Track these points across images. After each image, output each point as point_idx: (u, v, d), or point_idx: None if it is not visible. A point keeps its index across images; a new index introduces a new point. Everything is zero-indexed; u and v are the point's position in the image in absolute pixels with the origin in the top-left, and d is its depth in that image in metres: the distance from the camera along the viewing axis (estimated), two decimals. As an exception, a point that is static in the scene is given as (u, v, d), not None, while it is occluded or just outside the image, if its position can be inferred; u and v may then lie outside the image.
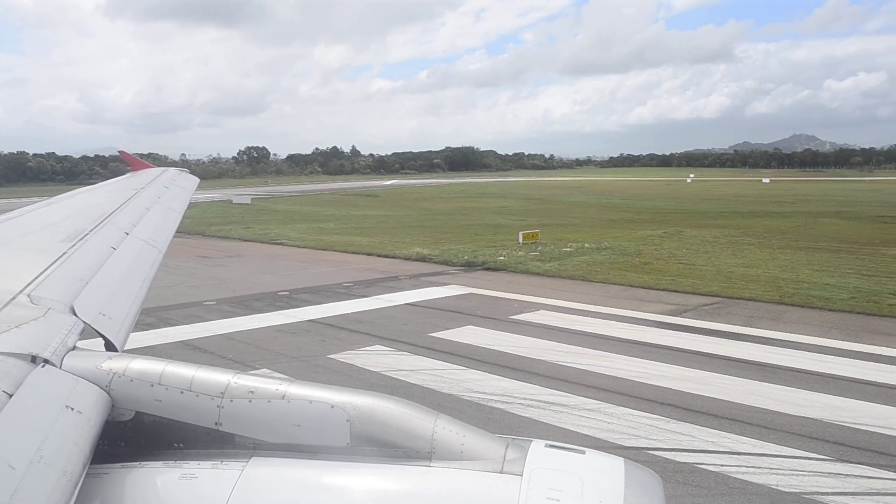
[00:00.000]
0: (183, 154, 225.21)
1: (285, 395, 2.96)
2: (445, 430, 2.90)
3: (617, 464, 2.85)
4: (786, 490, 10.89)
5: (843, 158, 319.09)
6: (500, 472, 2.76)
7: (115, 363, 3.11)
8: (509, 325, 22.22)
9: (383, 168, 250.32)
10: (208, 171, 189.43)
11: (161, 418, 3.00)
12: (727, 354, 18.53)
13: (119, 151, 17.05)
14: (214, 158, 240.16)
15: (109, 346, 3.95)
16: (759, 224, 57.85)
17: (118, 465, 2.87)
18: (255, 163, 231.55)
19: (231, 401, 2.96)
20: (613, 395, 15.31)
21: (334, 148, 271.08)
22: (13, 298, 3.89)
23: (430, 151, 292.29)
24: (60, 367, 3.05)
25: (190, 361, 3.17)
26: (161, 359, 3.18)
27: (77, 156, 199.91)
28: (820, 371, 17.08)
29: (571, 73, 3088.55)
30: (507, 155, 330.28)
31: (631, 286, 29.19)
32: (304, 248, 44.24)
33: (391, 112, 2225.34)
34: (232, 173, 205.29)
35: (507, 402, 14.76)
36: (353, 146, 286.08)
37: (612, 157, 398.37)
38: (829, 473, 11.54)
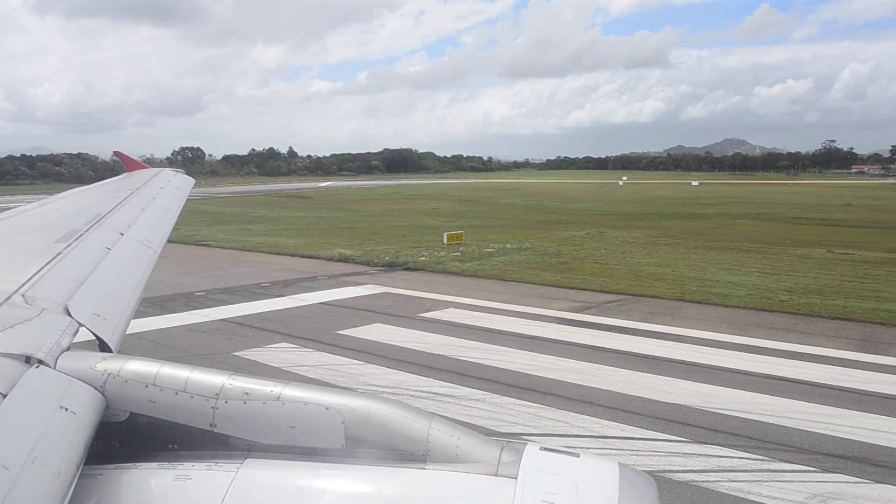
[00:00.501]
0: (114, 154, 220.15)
1: (280, 396, 2.97)
2: (440, 432, 2.92)
3: (611, 467, 2.88)
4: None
5: (771, 162, 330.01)
6: (495, 475, 2.79)
7: (110, 364, 3.11)
8: (416, 322, 22.80)
9: (321, 169, 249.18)
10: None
11: (155, 419, 3.01)
12: (617, 348, 19.45)
13: (114, 152, 17.50)
14: (148, 159, 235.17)
15: (104, 347, 3.93)
16: (681, 225, 59.75)
17: (112, 465, 2.87)
18: (189, 163, 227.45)
19: (226, 402, 2.97)
20: (501, 385, 16.03)
21: (271, 149, 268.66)
22: (7, 299, 3.91)
23: (369, 153, 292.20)
24: (55, 368, 3.05)
25: (185, 363, 3.19)
26: (156, 360, 3.19)
27: (3, 155, 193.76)
28: (701, 362, 18.11)
29: (510, 76, 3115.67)
30: (445, 157, 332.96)
31: (542, 285, 30.08)
32: (229, 249, 44.06)
33: (330, 113, 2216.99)
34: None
35: (399, 394, 15.31)
36: (291, 147, 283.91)
37: (549, 160, 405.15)
38: (684, 454, 12.42)
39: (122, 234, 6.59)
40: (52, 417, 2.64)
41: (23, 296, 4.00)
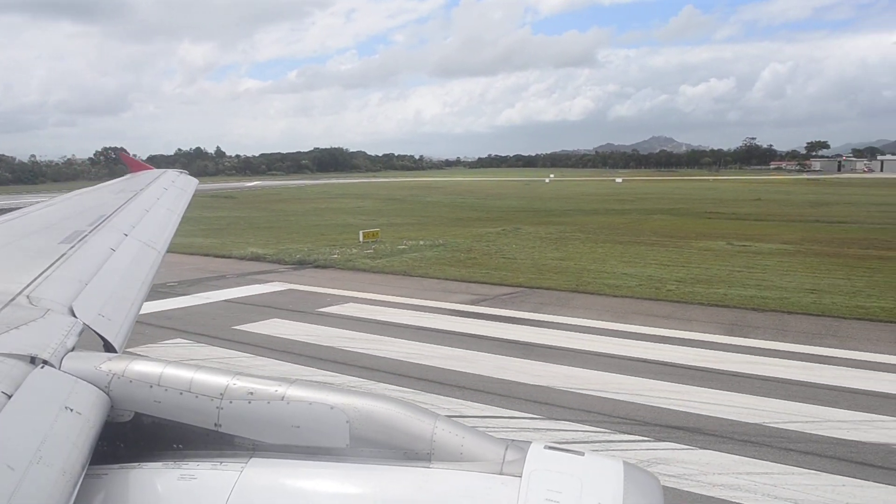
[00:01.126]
0: (32, 155, 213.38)
1: (284, 396, 2.98)
2: (445, 431, 2.93)
3: (616, 466, 2.88)
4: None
5: (695, 159, 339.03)
6: (500, 474, 2.80)
7: (115, 364, 3.12)
8: (313, 316, 23.40)
9: (249, 169, 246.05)
10: (61, 173, 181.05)
11: (160, 419, 3.02)
12: (500, 336, 20.42)
13: (120, 153, 17.50)
14: (69, 160, 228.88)
15: (108, 347, 3.96)
16: (597, 221, 61.37)
17: (117, 465, 2.89)
18: (112, 164, 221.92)
19: (230, 402, 2.98)
20: (378, 373, 16.81)
21: (198, 149, 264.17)
22: (12, 299, 3.94)
23: (299, 152, 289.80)
24: (59, 368, 3.07)
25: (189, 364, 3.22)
26: (160, 360, 3.21)
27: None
28: (575, 347, 19.21)
29: (442, 74, 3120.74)
30: (377, 156, 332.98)
31: (446, 279, 30.97)
32: (141, 249, 43.67)
33: (260, 112, 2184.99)
34: (87, 175, 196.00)
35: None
36: (218, 147, 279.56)
37: (480, 158, 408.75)
38: (533, 428, 13.40)
39: (126, 235, 6.61)
40: (57, 418, 2.65)
41: (27, 297, 4.02)
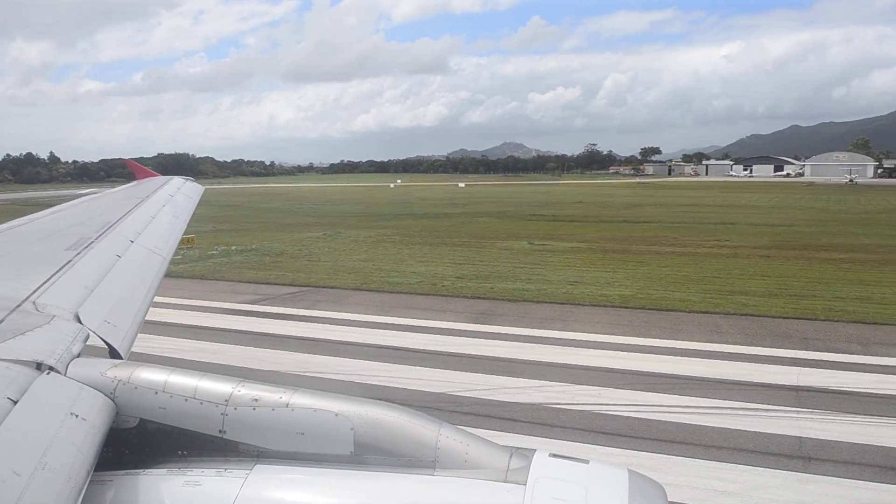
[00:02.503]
0: None
1: (289, 403, 2.99)
2: (449, 438, 2.94)
3: (620, 474, 2.89)
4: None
5: (540, 164, 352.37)
6: (504, 481, 2.81)
7: (120, 371, 3.12)
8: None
9: (87, 176, 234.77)
10: None
11: (165, 426, 3.02)
12: (259, 331, 22.04)
13: (126, 161, 16.54)
14: None
15: (114, 354, 3.98)
16: (422, 224, 63.65)
17: (122, 472, 2.90)
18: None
19: (235, 409, 2.98)
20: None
21: (29, 154, 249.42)
22: (19, 306, 3.93)
23: (143, 158, 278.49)
24: (65, 375, 3.06)
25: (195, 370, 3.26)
26: (165, 367, 3.21)
27: None
28: (323, 338, 21.25)
29: (295, 79, 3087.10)
30: (226, 161, 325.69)
31: (239, 282, 32.16)
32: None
33: (104, 116, 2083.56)
34: None
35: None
36: (52, 152, 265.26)
37: (333, 164, 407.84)
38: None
39: (131, 242, 6.61)
40: (62, 424, 2.66)
41: (34, 303, 4.02)
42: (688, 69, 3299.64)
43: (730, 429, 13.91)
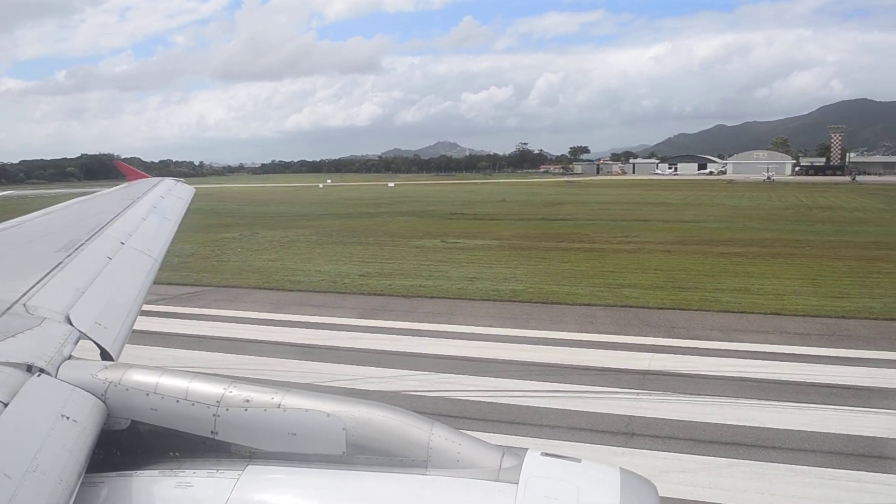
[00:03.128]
0: None
1: (281, 404, 3.00)
2: (441, 438, 2.96)
3: (612, 473, 2.90)
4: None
5: (473, 163, 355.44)
6: (496, 480, 2.82)
7: (111, 372, 3.12)
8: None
9: (4, 178, 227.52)
10: None
11: (157, 427, 3.03)
12: (144, 329, 21.90)
13: (116, 162, 16.38)
14: None
15: (105, 355, 3.96)
16: (341, 224, 63.66)
17: (114, 473, 2.91)
18: None
19: (227, 409, 2.99)
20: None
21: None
22: (9, 308, 3.93)
23: (66, 159, 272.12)
24: (56, 377, 3.07)
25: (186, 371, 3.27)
26: (157, 368, 3.21)
27: None
28: (208, 335, 21.69)
29: (226, 78, 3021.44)
30: (153, 162, 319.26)
31: (140, 282, 32.05)
32: None
33: (25, 116, 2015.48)
34: None
35: None
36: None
37: (264, 164, 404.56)
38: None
39: (122, 244, 6.61)
40: (53, 426, 2.66)
41: (24, 305, 4.02)
42: (617, 70, 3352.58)
43: (568, 409, 14.95)
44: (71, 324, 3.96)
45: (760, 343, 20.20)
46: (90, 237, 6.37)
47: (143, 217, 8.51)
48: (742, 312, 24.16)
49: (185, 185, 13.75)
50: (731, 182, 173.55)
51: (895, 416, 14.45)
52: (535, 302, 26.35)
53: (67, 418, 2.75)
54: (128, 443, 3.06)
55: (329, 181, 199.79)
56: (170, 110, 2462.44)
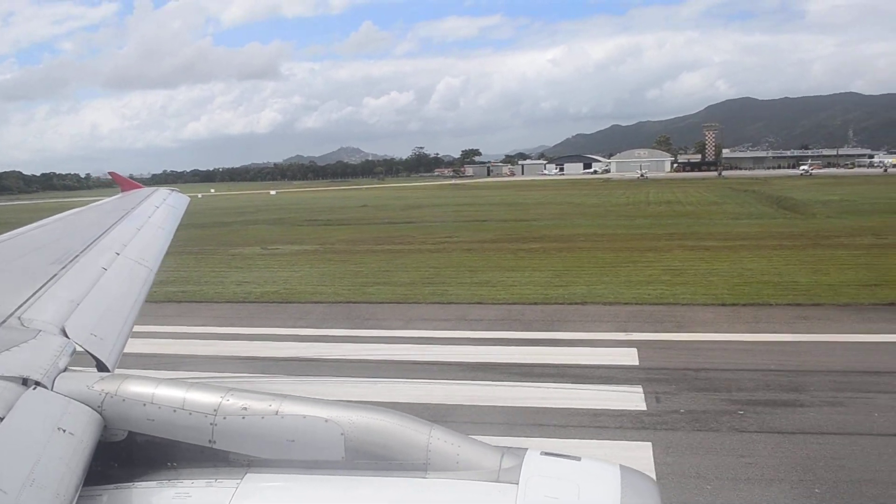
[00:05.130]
0: None
1: (278, 411, 2.99)
2: (440, 441, 2.95)
3: (613, 470, 2.90)
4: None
5: (369, 168, 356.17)
6: (497, 482, 2.82)
7: (107, 384, 3.11)
8: None
9: None
10: None
11: (154, 437, 3.02)
12: None
13: (110, 172, 15.77)
14: None
15: (101, 367, 3.91)
16: (187, 234, 63.23)
17: (112, 486, 2.89)
18: None
19: (224, 418, 2.98)
20: None
21: None
22: (4, 321, 3.91)
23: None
24: (52, 389, 3.05)
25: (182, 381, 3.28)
26: (153, 378, 3.21)
27: None
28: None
29: (118, 86, 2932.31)
30: (33, 175, 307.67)
31: None
32: None
33: None
34: None
35: None
36: None
37: (154, 174, 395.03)
38: None
39: (117, 254, 6.58)
40: (50, 439, 2.66)
41: (19, 318, 3.99)
42: (517, 73, 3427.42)
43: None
44: (66, 336, 3.92)
45: (426, 329, 22.13)
46: (85, 249, 6.30)
47: (137, 227, 8.43)
48: (451, 303, 26.05)
49: (180, 194, 13.63)
50: (607, 181, 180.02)
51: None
52: (279, 302, 27.82)
53: (64, 431, 2.74)
54: (125, 454, 3.06)
55: (212, 191, 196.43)
56: (59, 120, 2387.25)
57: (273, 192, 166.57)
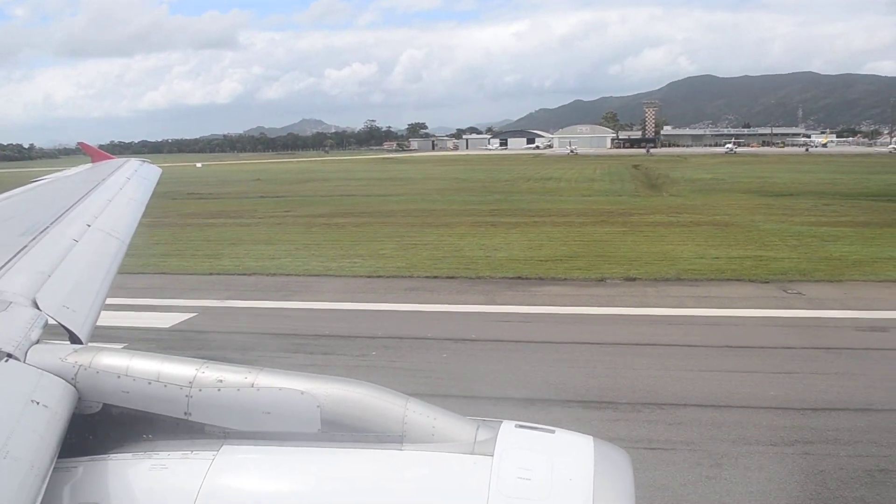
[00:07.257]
0: None
1: (254, 383, 2.96)
2: (416, 413, 2.94)
3: (586, 442, 2.93)
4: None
5: (320, 141, 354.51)
6: (472, 454, 2.83)
7: (81, 356, 3.08)
8: None
9: None
10: None
11: (129, 410, 2.99)
12: None
13: (79, 143, 15.13)
14: None
15: (74, 339, 3.82)
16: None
17: (87, 458, 2.88)
18: None
19: (199, 390, 2.95)
20: None
21: None
22: None
23: None
24: (24, 361, 3.04)
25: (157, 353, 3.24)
26: (128, 350, 3.18)
27: None
28: None
29: (72, 54, 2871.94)
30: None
31: None
32: None
33: None
34: None
35: None
36: None
37: (101, 145, 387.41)
38: None
39: (88, 226, 6.42)
40: (23, 411, 2.63)
41: None
42: (480, 46, 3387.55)
43: None
44: (38, 308, 3.85)
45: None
46: (55, 220, 6.13)
47: (108, 199, 8.11)
48: (164, 273, 28.46)
49: (152, 165, 13.05)
50: (537, 156, 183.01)
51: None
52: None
53: (37, 403, 2.70)
54: (100, 427, 3.02)
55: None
56: (11, 89, 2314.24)
57: (199, 165, 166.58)
